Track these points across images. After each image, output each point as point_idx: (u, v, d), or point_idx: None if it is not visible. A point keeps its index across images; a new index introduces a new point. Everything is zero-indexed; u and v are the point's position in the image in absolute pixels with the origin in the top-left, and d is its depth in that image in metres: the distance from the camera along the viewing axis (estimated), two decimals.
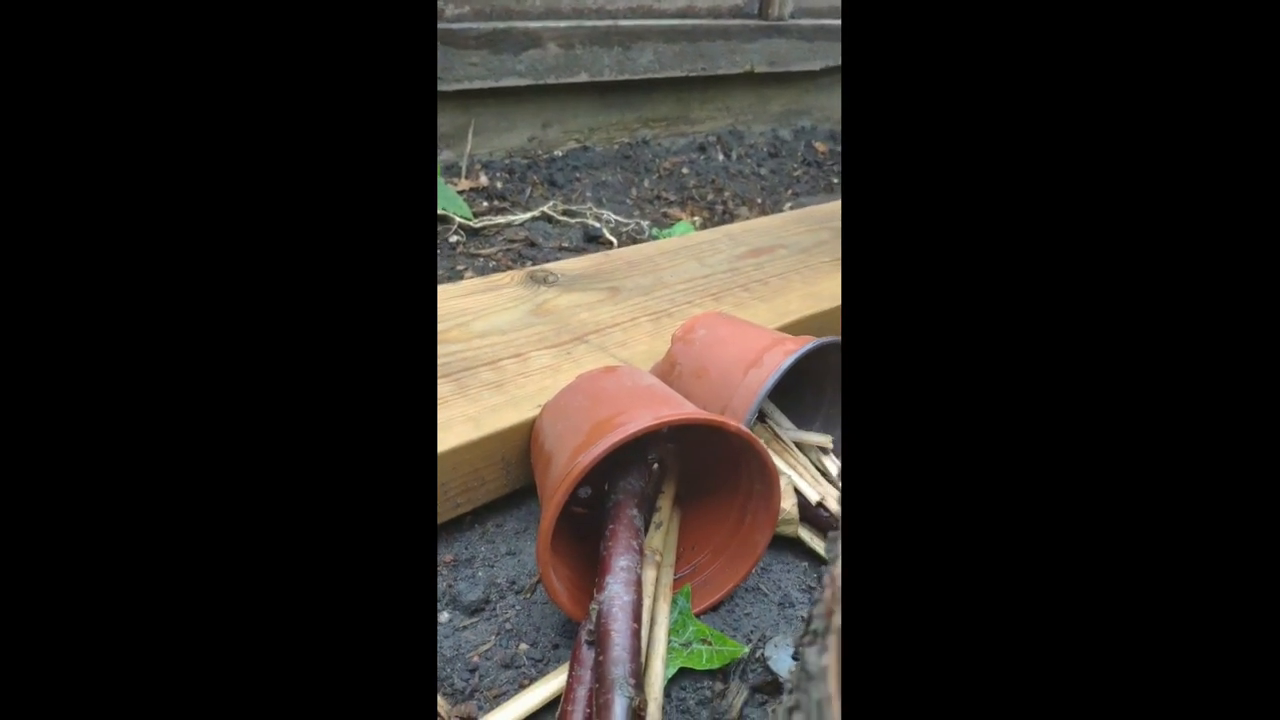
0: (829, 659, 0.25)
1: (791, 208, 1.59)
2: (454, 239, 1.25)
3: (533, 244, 1.28)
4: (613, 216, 1.37)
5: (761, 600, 0.62)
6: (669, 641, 0.53)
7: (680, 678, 0.54)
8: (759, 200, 1.63)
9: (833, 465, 0.70)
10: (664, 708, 0.50)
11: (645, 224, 1.37)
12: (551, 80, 1.56)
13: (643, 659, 0.48)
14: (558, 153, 1.67)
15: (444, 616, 0.58)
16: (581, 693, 0.47)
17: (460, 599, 0.59)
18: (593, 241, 1.31)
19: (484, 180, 1.49)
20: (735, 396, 0.64)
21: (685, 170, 1.73)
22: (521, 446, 0.66)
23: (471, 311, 0.82)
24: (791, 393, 0.75)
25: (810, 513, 0.65)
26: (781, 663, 0.55)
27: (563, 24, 1.56)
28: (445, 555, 0.63)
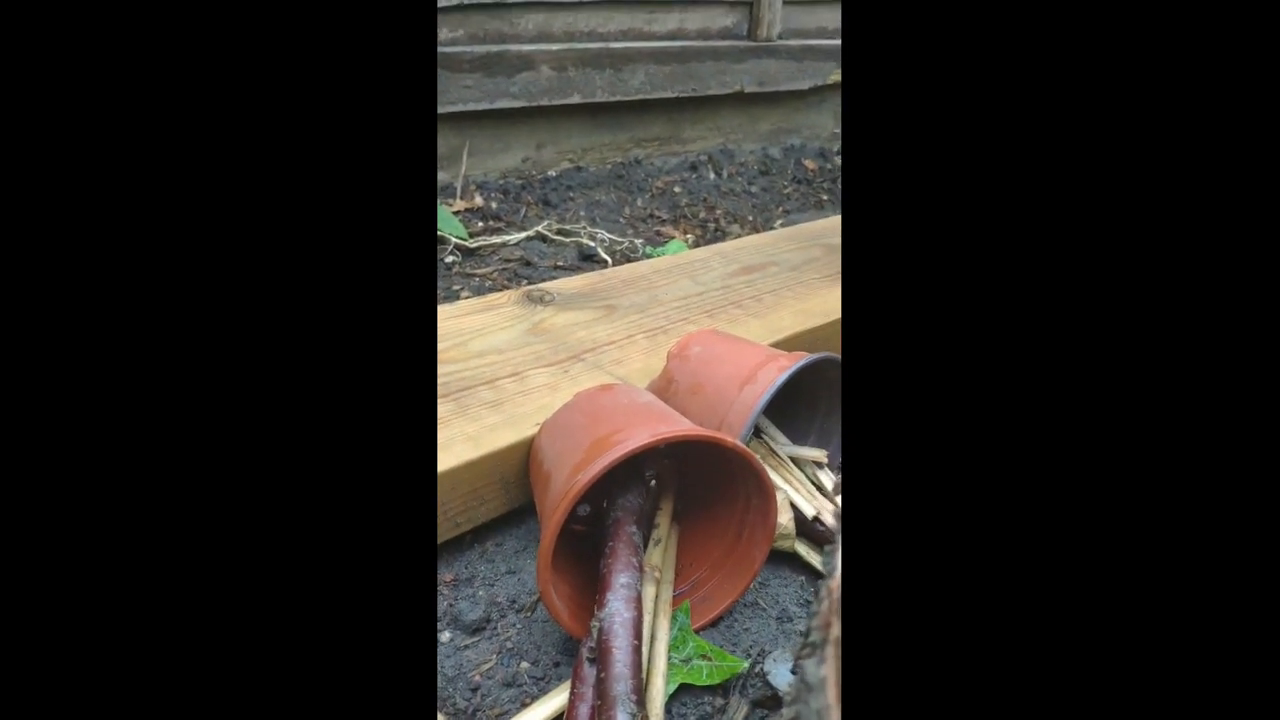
0: (827, 670, 0.25)
1: (782, 225, 1.60)
2: (450, 259, 1.26)
3: (528, 263, 1.29)
4: (607, 235, 1.38)
5: (760, 615, 0.62)
6: (669, 658, 0.53)
7: (681, 694, 0.54)
8: (750, 218, 1.64)
9: (828, 480, 0.70)
10: None
11: (639, 242, 1.39)
12: (545, 102, 1.58)
13: (644, 675, 0.49)
14: (551, 173, 1.69)
15: (445, 636, 0.58)
16: (584, 710, 0.48)
17: (461, 618, 0.59)
18: (587, 260, 1.32)
19: (479, 201, 1.50)
20: (731, 412, 0.65)
21: (677, 189, 1.75)
22: (520, 465, 0.66)
23: (469, 331, 0.82)
24: (786, 408, 0.75)
25: (807, 527, 0.65)
26: (781, 677, 0.55)
27: (555, 47, 1.58)
28: (446, 575, 0.63)
